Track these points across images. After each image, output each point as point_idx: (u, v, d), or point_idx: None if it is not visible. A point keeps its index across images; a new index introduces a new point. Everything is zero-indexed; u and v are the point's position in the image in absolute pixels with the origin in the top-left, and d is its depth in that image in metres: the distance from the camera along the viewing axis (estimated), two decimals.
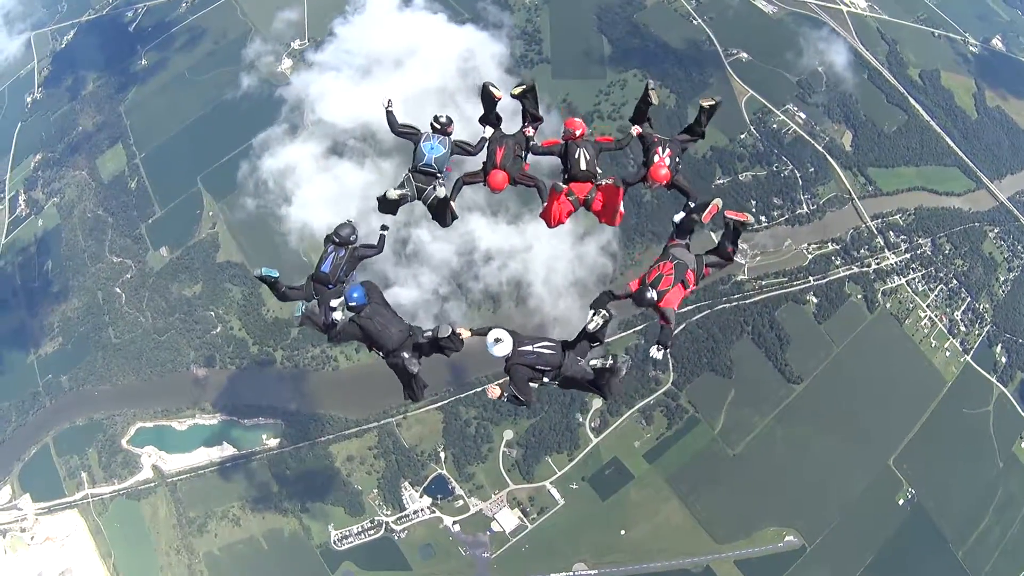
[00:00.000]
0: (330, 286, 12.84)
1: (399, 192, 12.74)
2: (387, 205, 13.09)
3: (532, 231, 77.88)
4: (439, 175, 12.85)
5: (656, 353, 11.61)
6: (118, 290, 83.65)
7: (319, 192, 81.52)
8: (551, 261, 77.96)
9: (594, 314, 11.21)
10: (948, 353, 76.99)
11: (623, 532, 69.93)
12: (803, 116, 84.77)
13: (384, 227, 13.59)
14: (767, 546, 68.74)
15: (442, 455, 72.31)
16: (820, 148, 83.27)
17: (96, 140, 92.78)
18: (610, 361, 11.50)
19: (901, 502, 70.68)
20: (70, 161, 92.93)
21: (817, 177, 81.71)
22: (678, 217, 12.65)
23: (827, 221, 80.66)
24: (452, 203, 13.05)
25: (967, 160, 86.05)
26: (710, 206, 12.16)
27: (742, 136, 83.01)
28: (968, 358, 77.18)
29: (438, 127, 12.98)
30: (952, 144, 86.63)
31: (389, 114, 13.33)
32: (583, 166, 12.69)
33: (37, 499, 77.72)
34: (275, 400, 76.02)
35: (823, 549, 68.47)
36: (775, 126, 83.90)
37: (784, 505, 69.71)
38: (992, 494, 71.57)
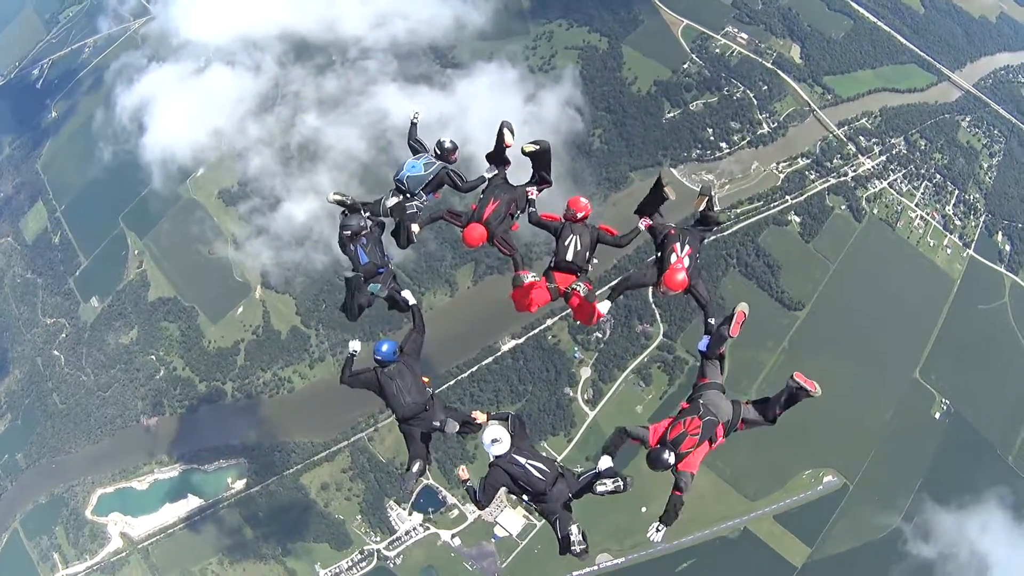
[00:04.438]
0: (380, 270, 10.64)
1: (336, 197, 10.80)
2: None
3: (464, 89, 63.48)
4: (411, 195, 10.91)
5: (656, 534, 9.08)
6: (56, 352, 71.63)
7: (182, 109, 68.97)
8: (496, 126, 61.02)
9: (607, 478, 9.03)
10: (949, 250, 67.53)
11: (644, 509, 56.13)
12: (745, 36, 73.96)
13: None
14: (805, 492, 57.35)
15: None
16: (769, 65, 72.59)
17: (16, 202, 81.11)
18: (621, 484, 8.93)
19: (937, 415, 60.51)
20: None
21: (772, 94, 71.19)
22: (703, 344, 9.75)
23: (791, 136, 70.00)
24: (414, 227, 10.77)
25: (923, 54, 76.17)
26: (735, 315, 9.19)
27: (685, 66, 72.13)
28: (971, 251, 67.95)
29: (439, 152, 11.15)
30: (904, 41, 76.61)
31: (413, 126, 11.62)
32: (569, 256, 10.27)
33: None
34: (233, 437, 63.49)
35: (867, 483, 57.55)
36: (717, 51, 73.13)
37: (814, 445, 57.86)
38: None
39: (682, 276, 9.49)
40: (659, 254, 10.01)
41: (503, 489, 9.47)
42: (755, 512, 56.70)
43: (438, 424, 9.94)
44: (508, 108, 61.53)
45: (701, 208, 10.13)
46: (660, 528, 9.08)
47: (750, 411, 9.40)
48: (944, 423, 59.84)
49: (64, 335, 71.52)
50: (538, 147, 10.70)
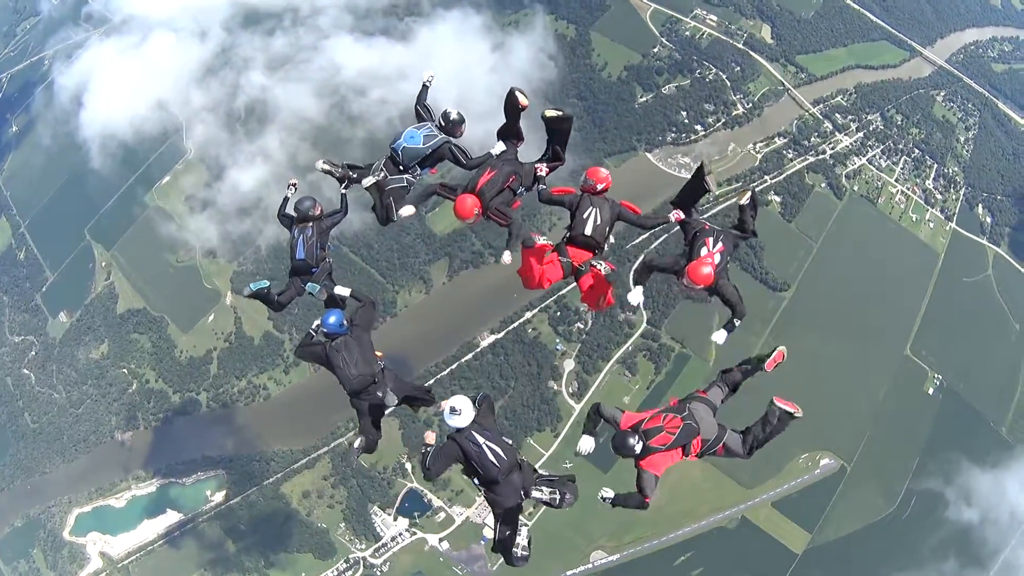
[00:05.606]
0: (313, 270, 10.18)
1: (324, 166, 10.23)
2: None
3: (423, 38, 58.30)
4: (403, 168, 9.95)
5: (605, 492, 8.81)
6: (26, 371, 67.12)
7: (122, 82, 63.78)
8: (462, 75, 55.20)
9: (548, 486, 8.68)
10: (931, 224, 65.48)
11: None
12: (714, 18, 71.59)
13: (346, 186, 10.49)
14: (802, 477, 54.32)
15: (408, 466, 55.57)
16: (740, 46, 70.27)
17: None
18: (557, 497, 8.57)
19: (931, 391, 58.10)
20: None
21: (745, 75, 68.96)
22: (720, 337, 9.29)
23: (767, 116, 67.79)
24: (409, 209, 9.77)
25: (894, 31, 74.26)
26: (775, 354, 9.05)
27: (655, 49, 69.28)
28: (953, 225, 65.84)
29: (443, 123, 10.03)
30: (875, 19, 74.67)
31: (424, 88, 10.55)
32: (588, 230, 9.45)
33: None
34: (210, 448, 59.39)
35: (865, 464, 54.84)
36: (687, 33, 70.48)
37: (808, 427, 53.73)
38: (1018, 359, 59.94)
39: (708, 270, 8.85)
40: (688, 249, 9.41)
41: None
42: (752, 500, 53.79)
43: (381, 395, 9.53)
44: (475, 56, 57.23)
45: (744, 202, 9.66)
46: (606, 497, 8.70)
47: (733, 439, 8.92)
48: (937, 399, 57.42)
49: (34, 353, 67.21)
50: (560, 114, 9.65)
